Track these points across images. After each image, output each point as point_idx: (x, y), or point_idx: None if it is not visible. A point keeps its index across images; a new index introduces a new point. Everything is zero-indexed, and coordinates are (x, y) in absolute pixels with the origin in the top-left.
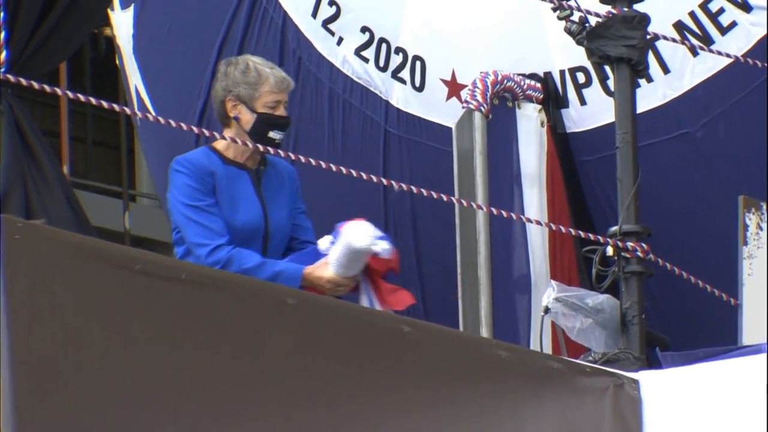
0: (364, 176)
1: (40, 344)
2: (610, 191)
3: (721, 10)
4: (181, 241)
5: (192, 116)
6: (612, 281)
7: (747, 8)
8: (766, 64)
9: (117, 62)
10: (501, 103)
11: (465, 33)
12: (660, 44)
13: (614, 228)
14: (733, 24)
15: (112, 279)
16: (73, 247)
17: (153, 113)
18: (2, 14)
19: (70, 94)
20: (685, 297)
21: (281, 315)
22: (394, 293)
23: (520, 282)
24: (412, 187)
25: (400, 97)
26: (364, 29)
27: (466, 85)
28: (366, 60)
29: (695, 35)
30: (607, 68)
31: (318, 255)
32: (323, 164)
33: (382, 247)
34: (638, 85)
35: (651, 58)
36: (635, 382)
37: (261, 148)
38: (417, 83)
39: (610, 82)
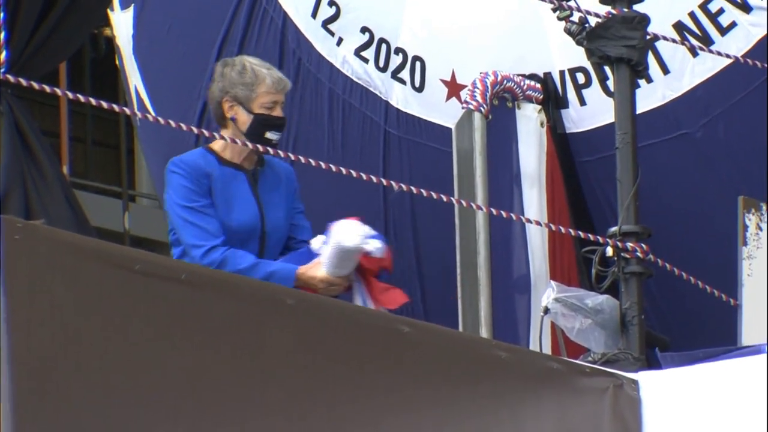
0: (364, 177)
1: (39, 344)
2: (609, 192)
3: (721, 11)
4: (178, 243)
5: (192, 116)
6: (612, 282)
7: (747, 9)
8: (765, 65)
9: (117, 62)
10: (501, 104)
11: (465, 33)
12: (660, 45)
13: (614, 228)
14: (733, 24)
15: (111, 279)
16: (72, 248)
17: (153, 113)
18: (2, 14)
19: (70, 95)
20: (685, 297)
21: (280, 315)
22: (386, 292)
23: (519, 282)
24: (412, 188)
25: (400, 97)
26: (363, 30)
27: (466, 86)
28: (366, 60)
29: (695, 36)
30: (607, 69)
31: (312, 255)
32: (323, 165)
33: (375, 246)
34: (638, 86)
35: (651, 58)
36: (635, 382)
37: (261, 148)
38: (417, 84)
39: (610, 83)
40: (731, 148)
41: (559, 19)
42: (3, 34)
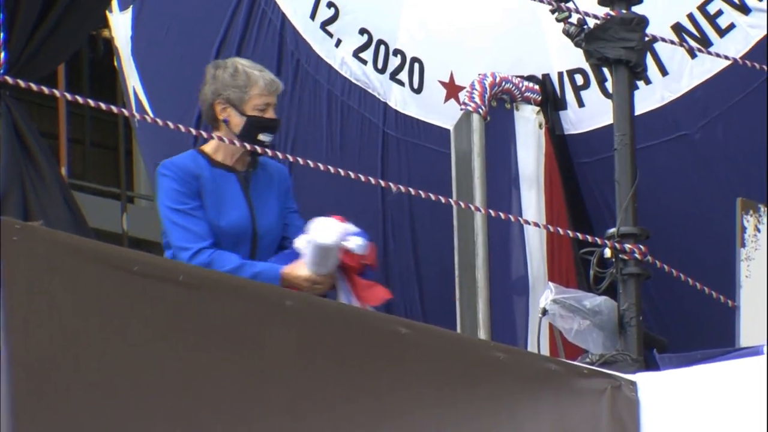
0: (363, 178)
1: (38, 345)
2: (608, 193)
3: (720, 12)
4: (169, 246)
5: (190, 118)
6: (610, 283)
7: (745, 10)
8: (764, 66)
9: (115, 64)
10: (499, 105)
11: (463, 35)
12: (658, 46)
13: (612, 230)
14: (732, 26)
15: (110, 280)
16: (71, 249)
17: (151, 115)
18: (0, 16)
19: (69, 96)
20: (683, 299)
21: (279, 316)
22: (369, 289)
23: (517, 284)
24: (410, 189)
25: (399, 98)
26: (362, 31)
27: (465, 87)
28: (364, 62)
29: (693, 37)
30: (606, 70)
31: (299, 254)
32: (321, 166)
33: (355, 243)
34: (636, 87)
35: (649, 60)
36: (633, 383)
37: (259, 150)
38: (415, 85)
39: (609, 84)
40: (730, 149)
41: (558, 20)
42: (1, 35)
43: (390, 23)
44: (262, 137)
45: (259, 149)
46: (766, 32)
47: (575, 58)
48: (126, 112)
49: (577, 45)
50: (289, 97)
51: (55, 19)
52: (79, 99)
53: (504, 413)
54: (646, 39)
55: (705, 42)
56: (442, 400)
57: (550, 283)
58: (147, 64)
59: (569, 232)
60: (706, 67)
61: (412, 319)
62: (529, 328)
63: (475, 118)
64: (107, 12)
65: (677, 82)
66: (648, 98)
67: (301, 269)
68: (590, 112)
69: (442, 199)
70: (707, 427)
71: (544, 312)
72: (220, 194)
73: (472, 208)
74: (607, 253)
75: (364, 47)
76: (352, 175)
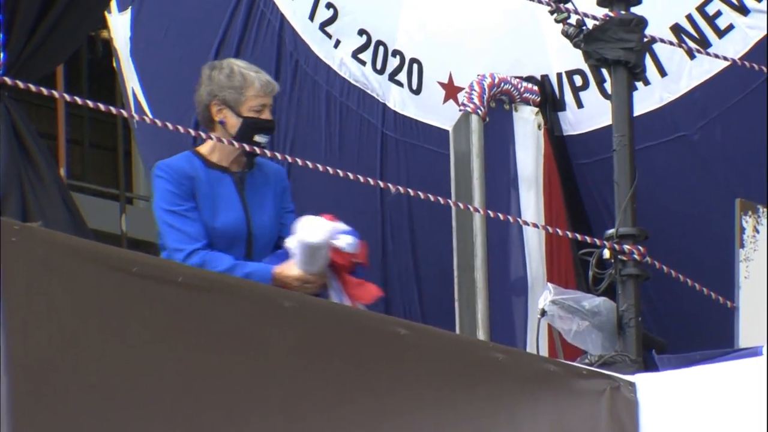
0: (361, 179)
1: (36, 347)
2: (607, 194)
3: (719, 13)
4: (164, 247)
5: (189, 119)
6: (609, 284)
7: (744, 11)
8: (763, 67)
9: (114, 65)
10: (498, 106)
11: (462, 36)
12: (657, 47)
13: (611, 231)
14: (731, 27)
15: (108, 281)
16: (69, 250)
17: (150, 116)
18: None
19: (67, 97)
20: (682, 300)
21: (278, 317)
22: (360, 287)
23: (516, 285)
24: (409, 190)
25: (397, 99)
26: (361, 32)
27: (463, 88)
28: (363, 63)
29: (692, 38)
30: (604, 71)
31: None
32: (320, 167)
33: (345, 241)
34: (635, 88)
35: (648, 60)
36: (632, 384)
37: (258, 151)
38: (414, 86)
39: (607, 85)
40: (728, 150)
41: (557, 21)
42: (0, 36)
43: (389, 24)
44: (258, 138)
45: (258, 150)
46: (764, 33)
47: (574, 59)
48: (125, 113)
49: (575, 46)
50: (288, 98)
51: (53, 19)
52: (78, 100)
53: (503, 414)
54: (645, 40)
55: (704, 43)
56: (441, 401)
57: (549, 284)
58: (146, 65)
59: (568, 233)
60: (705, 68)
61: (411, 320)
62: (528, 329)
63: (474, 119)
64: (106, 13)
65: (676, 83)
66: (647, 99)
67: (291, 269)
68: (589, 113)
69: (441, 200)
70: (706, 428)
71: (543, 313)
72: (214, 195)
73: (471, 209)
74: (606, 254)
75: (363, 48)
76: (350, 176)
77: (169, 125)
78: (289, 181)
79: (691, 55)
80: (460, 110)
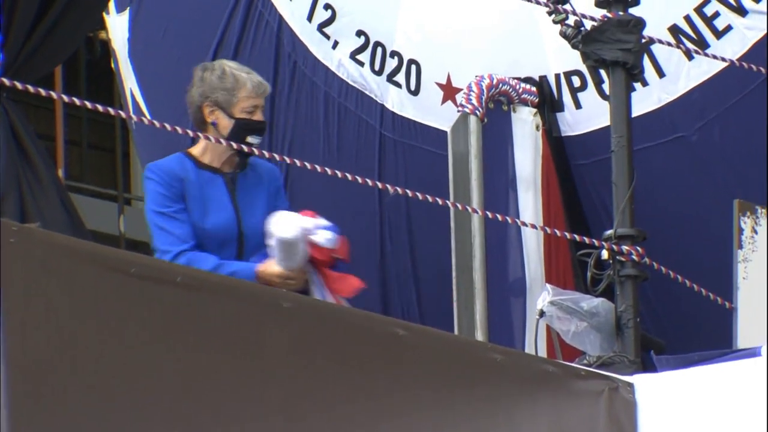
0: (360, 180)
1: (35, 347)
2: (605, 195)
3: (717, 14)
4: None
5: (187, 120)
6: (607, 285)
7: (742, 12)
8: (761, 68)
9: (112, 66)
10: (496, 107)
11: (460, 36)
12: (655, 48)
13: (609, 231)
14: (729, 28)
15: (107, 282)
16: (68, 251)
17: (148, 117)
18: None
19: (66, 98)
20: (680, 300)
21: (276, 318)
22: (341, 280)
23: (515, 285)
24: (407, 191)
25: (396, 100)
26: (359, 33)
27: (462, 89)
28: (361, 64)
29: (690, 39)
30: (603, 72)
31: None
32: (318, 168)
33: (324, 236)
34: (633, 89)
35: (646, 61)
36: (630, 385)
37: (256, 152)
38: (412, 87)
39: (606, 86)
40: (727, 151)
41: (555, 22)
42: None
43: (387, 25)
44: (250, 139)
45: (256, 151)
46: (762, 34)
47: (572, 59)
48: (123, 114)
49: (574, 47)
50: (286, 99)
51: (52, 20)
52: (77, 101)
53: (501, 415)
54: (643, 41)
55: (702, 44)
56: (440, 402)
57: (548, 285)
58: (144, 66)
59: (566, 233)
60: (703, 68)
61: (409, 321)
62: (526, 330)
63: (472, 119)
64: (104, 14)
65: (674, 84)
66: (645, 100)
67: (273, 266)
68: (587, 114)
69: (439, 201)
70: (705, 429)
71: (542, 314)
72: (205, 196)
73: (469, 209)
74: (605, 254)
75: (361, 49)
76: (349, 176)
77: (167, 126)
78: (286, 182)
79: (690, 56)
80: (459, 111)
